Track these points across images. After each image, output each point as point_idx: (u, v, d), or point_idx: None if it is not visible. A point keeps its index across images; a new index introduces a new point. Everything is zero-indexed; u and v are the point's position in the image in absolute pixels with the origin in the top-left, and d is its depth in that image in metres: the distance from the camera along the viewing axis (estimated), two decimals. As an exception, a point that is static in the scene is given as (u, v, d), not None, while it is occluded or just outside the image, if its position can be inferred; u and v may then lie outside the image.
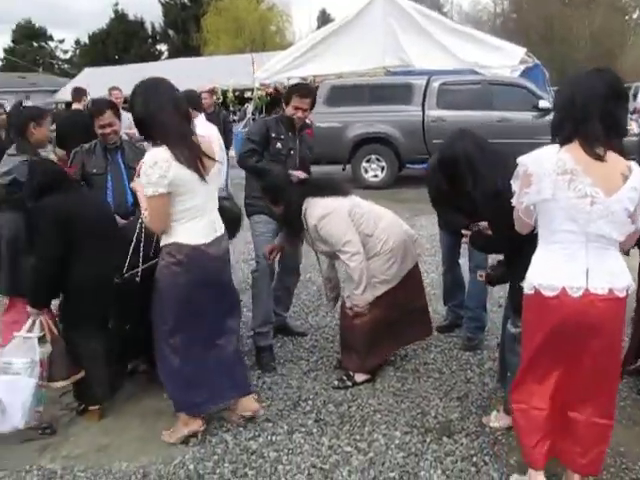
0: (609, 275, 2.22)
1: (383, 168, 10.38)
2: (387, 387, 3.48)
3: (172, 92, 2.81)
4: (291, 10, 34.74)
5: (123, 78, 9.67)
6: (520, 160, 2.29)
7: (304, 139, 3.98)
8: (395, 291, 3.48)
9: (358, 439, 2.98)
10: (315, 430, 3.07)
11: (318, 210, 3.36)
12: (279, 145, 3.81)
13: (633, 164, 2.24)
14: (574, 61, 33.00)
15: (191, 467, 2.80)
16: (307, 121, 4.03)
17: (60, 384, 3.10)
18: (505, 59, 11.66)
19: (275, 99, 17.59)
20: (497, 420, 3.02)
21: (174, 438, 2.98)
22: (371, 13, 12.82)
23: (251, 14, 31.74)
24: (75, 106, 7.37)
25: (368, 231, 3.42)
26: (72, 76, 29.29)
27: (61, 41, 45.05)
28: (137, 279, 3.08)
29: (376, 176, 10.39)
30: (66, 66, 42.05)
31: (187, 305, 2.83)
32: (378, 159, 10.38)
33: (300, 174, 3.71)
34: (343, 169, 10.48)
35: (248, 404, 3.12)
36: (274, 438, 3.01)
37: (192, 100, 4.32)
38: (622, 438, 2.92)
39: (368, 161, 10.36)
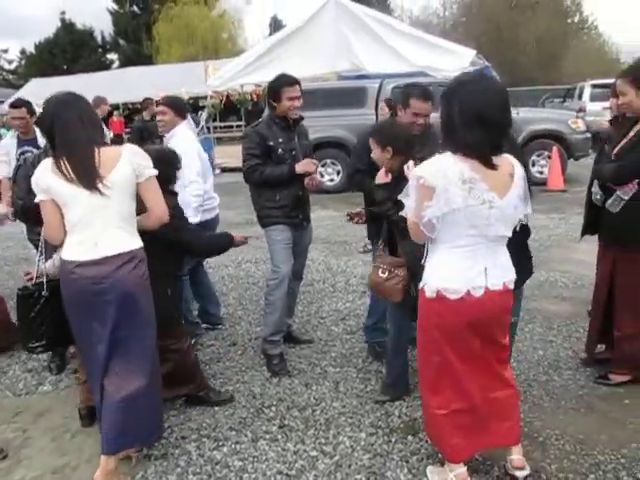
0: (502, 270, 2.39)
1: (339, 172, 10.44)
2: (350, 389, 3.48)
3: (78, 106, 2.64)
4: (243, 17, 34.47)
5: (73, 88, 9.39)
6: (416, 173, 2.29)
7: (300, 131, 3.84)
8: None
9: (323, 443, 2.96)
10: (280, 436, 3.04)
11: None
12: (280, 151, 3.66)
13: (513, 160, 2.35)
14: (521, 64, 33.93)
15: (154, 482, 2.73)
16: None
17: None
18: (456, 61, 11.82)
19: (228, 106, 17.51)
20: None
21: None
22: (322, 18, 12.82)
23: (202, 21, 31.46)
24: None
25: None
26: (18, 87, 28.44)
27: (5, 50, 43.68)
28: (43, 292, 2.88)
29: (332, 180, 10.45)
30: (11, 77, 40.82)
31: (72, 322, 2.67)
32: (333, 163, 10.43)
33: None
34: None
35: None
36: (238, 447, 2.96)
37: (178, 106, 4.21)
38: (581, 426, 2.99)
39: (323, 165, 10.41)
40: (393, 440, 2.95)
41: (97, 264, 2.54)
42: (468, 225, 2.26)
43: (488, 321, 2.39)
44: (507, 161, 2.32)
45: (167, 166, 3.19)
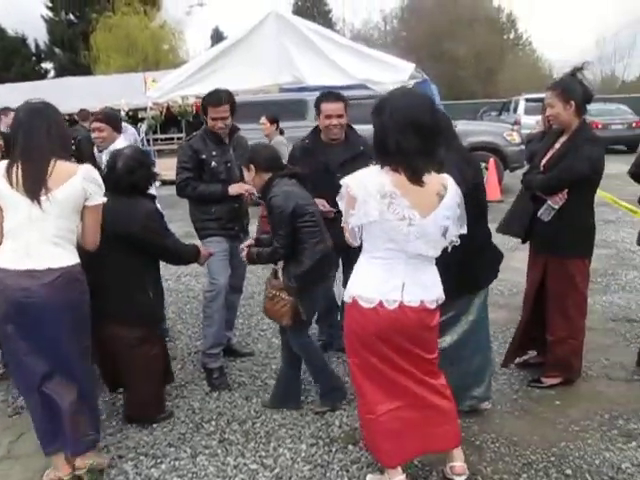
0: (422, 289, 2.38)
1: None
2: (291, 400, 3.46)
3: (49, 115, 2.62)
4: (184, 28, 34.08)
5: (4, 97, 9.10)
6: (344, 182, 2.33)
7: (239, 143, 3.81)
8: None
9: (264, 455, 2.94)
10: (220, 451, 3.00)
11: None
12: (214, 164, 3.64)
13: (449, 181, 2.35)
14: (460, 78, 35.00)
15: (87, 504, 2.64)
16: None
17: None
18: (395, 75, 12.01)
19: (169, 118, 17.26)
20: None
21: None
22: (264, 31, 12.76)
23: (142, 32, 30.95)
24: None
25: None
26: (-53, 96, 27.17)
27: None
28: None
29: (275, 191, 10.43)
30: (-62, 86, 39.02)
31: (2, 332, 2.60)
32: (281, 175, 10.43)
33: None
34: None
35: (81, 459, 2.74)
36: (177, 463, 2.91)
37: (114, 121, 4.14)
38: (515, 428, 3.09)
39: (269, 177, 10.38)
40: (333, 450, 2.96)
41: (24, 276, 2.48)
42: (386, 238, 2.29)
43: (402, 336, 2.38)
44: (438, 181, 2.31)
45: (147, 169, 3.24)
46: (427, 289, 2.40)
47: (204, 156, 3.63)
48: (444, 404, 2.56)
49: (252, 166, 3.24)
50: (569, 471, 2.74)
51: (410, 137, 2.23)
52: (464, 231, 2.41)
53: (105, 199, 2.70)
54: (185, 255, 3.43)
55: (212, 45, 27.43)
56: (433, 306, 2.42)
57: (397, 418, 2.48)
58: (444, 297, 2.47)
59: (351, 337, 2.48)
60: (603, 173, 3.31)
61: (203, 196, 3.65)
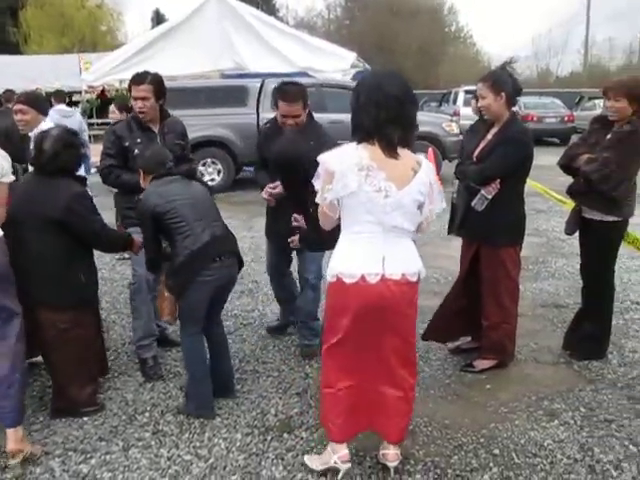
0: (402, 262, 2.43)
1: (220, 171, 10.33)
2: (227, 390, 3.43)
3: None
4: (122, 9, 33.02)
5: None
6: (321, 159, 2.38)
7: (170, 128, 3.65)
8: None
9: (198, 446, 2.90)
10: (153, 443, 2.94)
11: None
12: (137, 152, 3.47)
13: (423, 159, 2.46)
14: (402, 68, 35.36)
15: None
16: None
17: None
18: (337, 63, 12.12)
19: (106, 102, 16.70)
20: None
21: None
22: (205, 14, 12.59)
23: (79, 11, 29.75)
24: None
25: None
26: None
27: None
28: None
29: (213, 180, 10.29)
30: None
31: None
32: (214, 162, 10.28)
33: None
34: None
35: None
36: (108, 457, 2.83)
37: (38, 104, 3.95)
38: (447, 412, 3.16)
39: (204, 165, 10.23)
40: (269, 439, 2.95)
41: None
42: (364, 210, 2.34)
43: (385, 309, 2.42)
44: (413, 157, 2.41)
45: (75, 150, 3.13)
46: (407, 262, 2.45)
47: (127, 143, 3.50)
48: (399, 400, 2.59)
49: (141, 172, 3.21)
50: (497, 451, 2.83)
51: (383, 109, 2.31)
52: (444, 205, 2.55)
53: (13, 177, 2.63)
54: (116, 242, 3.32)
55: (152, 28, 26.69)
56: (414, 279, 2.47)
57: (352, 396, 2.56)
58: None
59: (331, 314, 2.51)
60: (533, 164, 3.42)
61: (126, 185, 3.53)
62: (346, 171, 2.29)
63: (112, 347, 4.03)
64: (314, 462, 2.69)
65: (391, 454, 2.66)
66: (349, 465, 2.63)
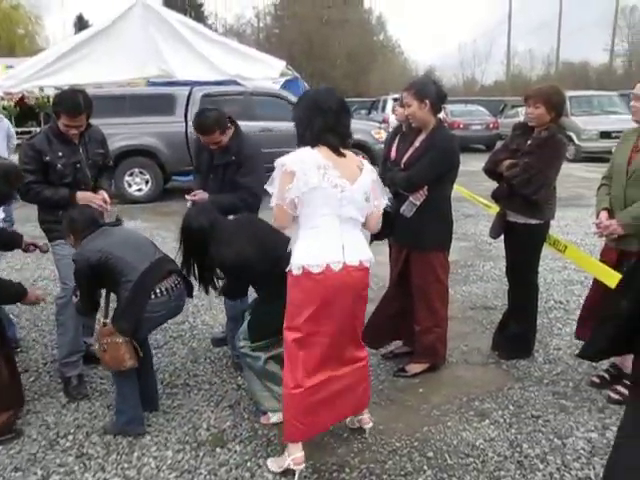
0: (358, 250, 2.67)
1: (147, 181, 10.08)
2: (157, 406, 3.31)
3: None
4: (42, 13, 31.67)
5: None
6: (278, 162, 2.57)
7: (92, 138, 3.52)
8: None
9: (126, 467, 2.78)
10: (77, 468, 2.78)
11: None
12: (60, 167, 3.32)
13: (363, 160, 2.78)
14: (332, 76, 35.80)
15: None
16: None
17: None
18: (266, 71, 12.05)
19: (25, 110, 16.00)
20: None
21: None
22: (130, 20, 12.23)
23: (-8, 11, 28.39)
24: None
25: None
26: None
27: None
28: None
29: (140, 190, 10.04)
30: None
31: None
32: (142, 172, 10.03)
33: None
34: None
35: None
36: (25, 488, 2.65)
37: None
38: (381, 417, 3.17)
39: (131, 175, 9.98)
40: (201, 454, 2.87)
41: None
42: (322, 204, 2.55)
43: (348, 295, 2.63)
44: (354, 157, 2.73)
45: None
46: (362, 250, 2.69)
47: (48, 158, 3.33)
48: (360, 369, 2.85)
49: (71, 235, 3.13)
50: (430, 454, 2.86)
51: (322, 119, 2.59)
52: (386, 201, 2.89)
53: None
54: (5, 294, 3.06)
55: (75, 33, 25.80)
56: (368, 265, 2.69)
57: (319, 392, 2.68)
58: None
59: (298, 309, 2.60)
60: (460, 170, 3.49)
61: (48, 202, 3.37)
62: (307, 170, 2.51)
63: (32, 368, 3.81)
64: (273, 465, 2.75)
65: (365, 418, 2.98)
66: (302, 466, 2.67)
